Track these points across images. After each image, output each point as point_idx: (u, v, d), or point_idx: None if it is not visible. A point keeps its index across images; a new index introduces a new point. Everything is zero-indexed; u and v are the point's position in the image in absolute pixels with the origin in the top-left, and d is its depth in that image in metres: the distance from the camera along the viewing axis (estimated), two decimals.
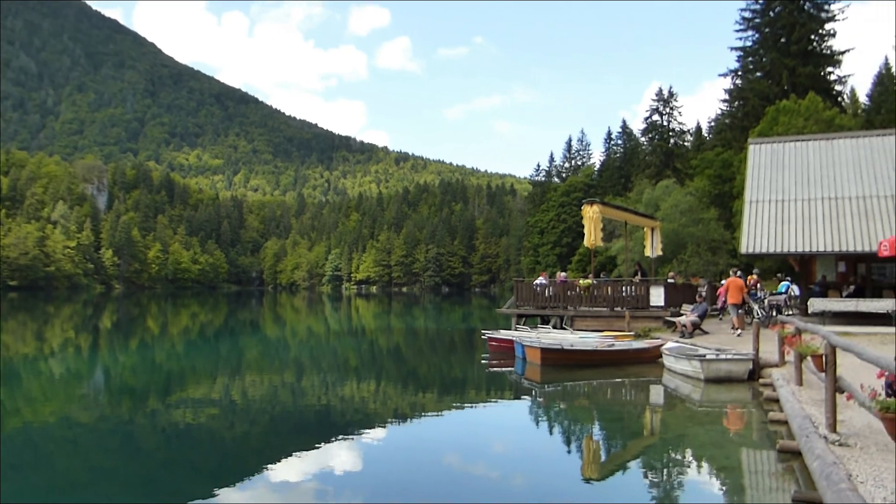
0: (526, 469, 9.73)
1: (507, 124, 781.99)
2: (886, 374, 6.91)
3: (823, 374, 9.03)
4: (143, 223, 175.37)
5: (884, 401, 6.73)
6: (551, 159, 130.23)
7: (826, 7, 56.23)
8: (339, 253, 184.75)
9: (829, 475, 6.74)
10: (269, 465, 9.86)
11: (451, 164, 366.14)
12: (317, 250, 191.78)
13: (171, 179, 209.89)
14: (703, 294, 25.81)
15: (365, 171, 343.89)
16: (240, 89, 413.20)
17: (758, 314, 22.77)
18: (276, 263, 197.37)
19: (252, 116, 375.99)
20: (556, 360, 17.75)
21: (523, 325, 24.92)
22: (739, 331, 20.34)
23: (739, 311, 21.29)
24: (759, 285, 27.86)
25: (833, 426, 8.63)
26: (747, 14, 58.59)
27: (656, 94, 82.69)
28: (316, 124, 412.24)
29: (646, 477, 9.32)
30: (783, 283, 25.33)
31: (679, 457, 10.16)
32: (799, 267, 24.52)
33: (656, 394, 15.99)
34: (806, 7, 56.06)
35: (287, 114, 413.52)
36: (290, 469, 9.58)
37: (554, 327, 24.19)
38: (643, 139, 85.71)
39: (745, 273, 29.19)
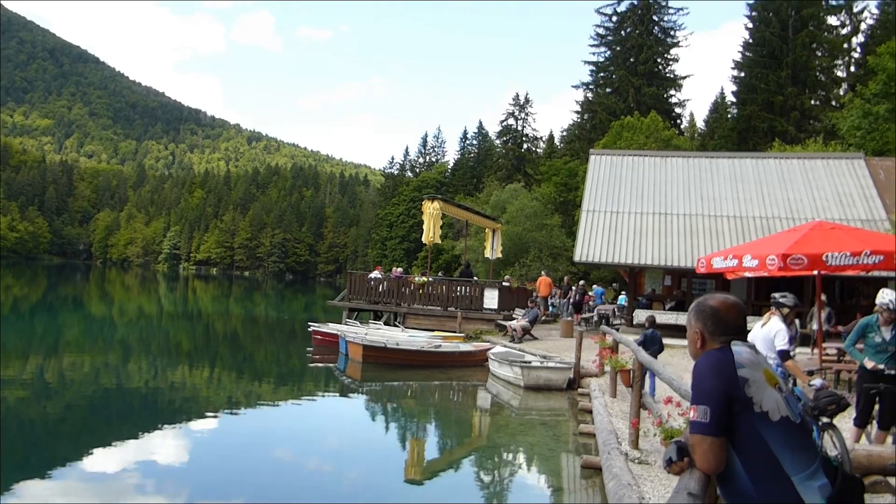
0: (343, 469, 9.35)
1: (366, 115, 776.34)
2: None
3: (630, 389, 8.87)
4: None
5: (669, 429, 6.55)
6: (406, 153, 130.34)
7: (672, 32, 59.57)
8: (179, 231, 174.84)
9: (621, 497, 6.44)
10: (84, 456, 9.02)
11: (305, 148, 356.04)
12: (154, 226, 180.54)
13: None
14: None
15: (214, 148, 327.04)
16: (78, 46, 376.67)
17: (591, 322, 23.28)
18: (107, 237, 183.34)
19: (91, 77, 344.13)
20: (378, 358, 17.11)
21: (355, 319, 24.12)
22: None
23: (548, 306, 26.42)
24: (602, 297, 28.88)
25: (635, 443, 8.46)
26: (601, 31, 60.93)
27: (513, 99, 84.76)
28: (163, 93, 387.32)
29: (451, 485, 8.81)
30: (621, 296, 26.22)
31: (483, 473, 9.70)
32: (629, 278, 25.22)
33: (476, 400, 15.73)
34: (654, 31, 59.03)
35: (132, 78, 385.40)
36: (108, 460, 8.86)
37: (386, 323, 23.54)
38: (497, 142, 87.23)
39: (580, 279, 30.10)
